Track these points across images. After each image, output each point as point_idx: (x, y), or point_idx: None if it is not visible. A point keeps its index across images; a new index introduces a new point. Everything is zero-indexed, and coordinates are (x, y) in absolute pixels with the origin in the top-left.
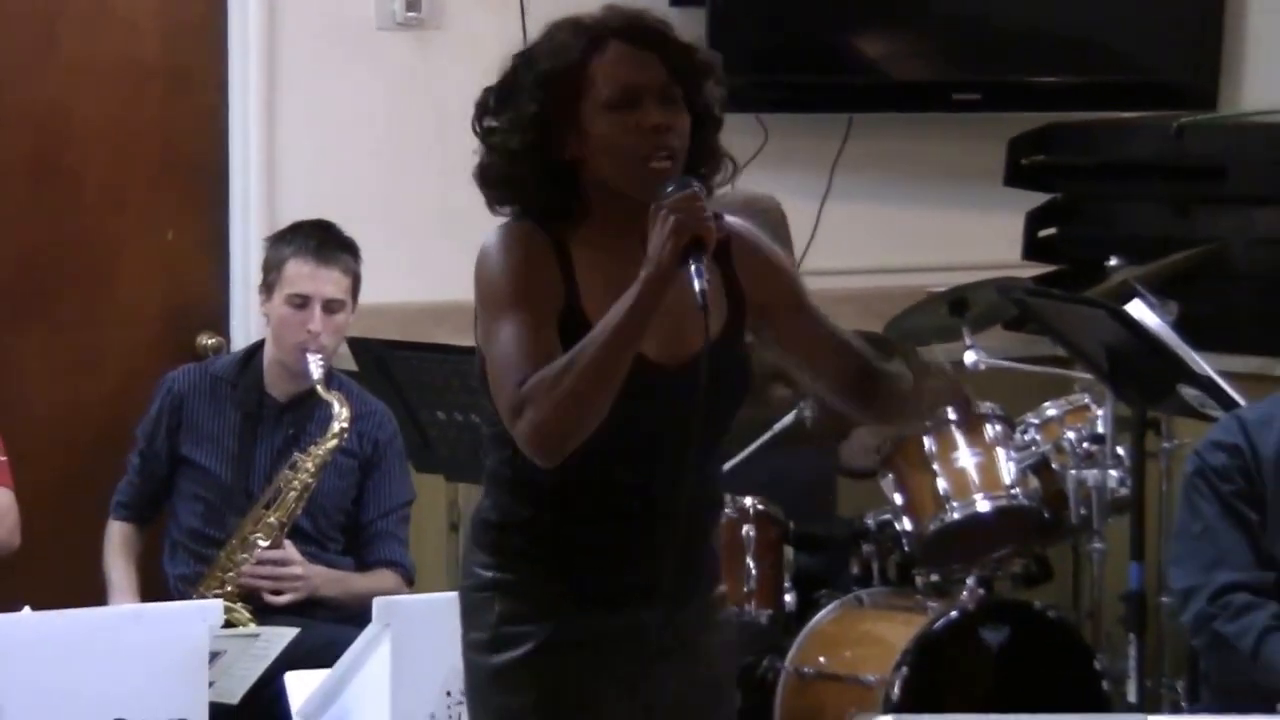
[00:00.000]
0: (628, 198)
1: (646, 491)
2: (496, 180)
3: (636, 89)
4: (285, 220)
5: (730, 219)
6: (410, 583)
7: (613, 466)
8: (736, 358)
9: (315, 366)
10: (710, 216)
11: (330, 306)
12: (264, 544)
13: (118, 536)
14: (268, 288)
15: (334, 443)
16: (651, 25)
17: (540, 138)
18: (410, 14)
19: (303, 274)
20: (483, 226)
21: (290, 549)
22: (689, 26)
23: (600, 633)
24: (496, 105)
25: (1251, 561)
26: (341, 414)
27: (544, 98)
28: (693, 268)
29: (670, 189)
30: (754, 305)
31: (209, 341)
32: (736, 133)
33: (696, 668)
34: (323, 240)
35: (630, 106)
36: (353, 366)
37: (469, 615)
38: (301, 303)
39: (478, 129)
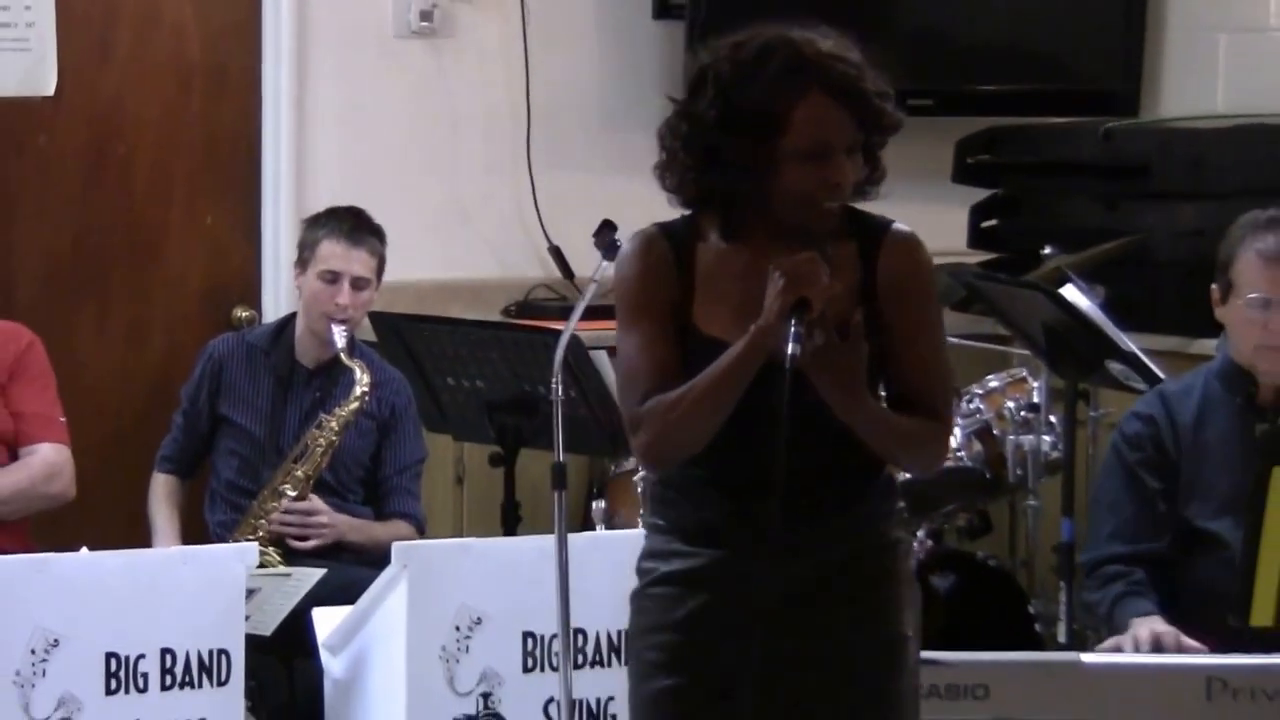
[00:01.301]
0: (771, 226)
1: (758, 463)
2: (699, 197)
3: (829, 146)
4: (313, 206)
5: (901, 226)
6: (421, 531)
7: (744, 431)
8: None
9: (339, 336)
10: (823, 280)
11: (358, 283)
12: (292, 494)
13: (162, 488)
14: (302, 263)
15: (356, 405)
16: (853, 84)
17: (752, 165)
18: (424, 23)
19: (335, 253)
20: (483, 214)
21: (316, 500)
22: (670, 37)
23: (710, 574)
24: (707, 135)
25: (1140, 533)
26: (362, 379)
27: (754, 134)
28: (792, 329)
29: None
30: (879, 300)
31: (243, 314)
32: None
33: (818, 619)
34: (354, 224)
35: (820, 159)
36: (373, 337)
37: (642, 556)
38: (332, 278)
39: (686, 142)
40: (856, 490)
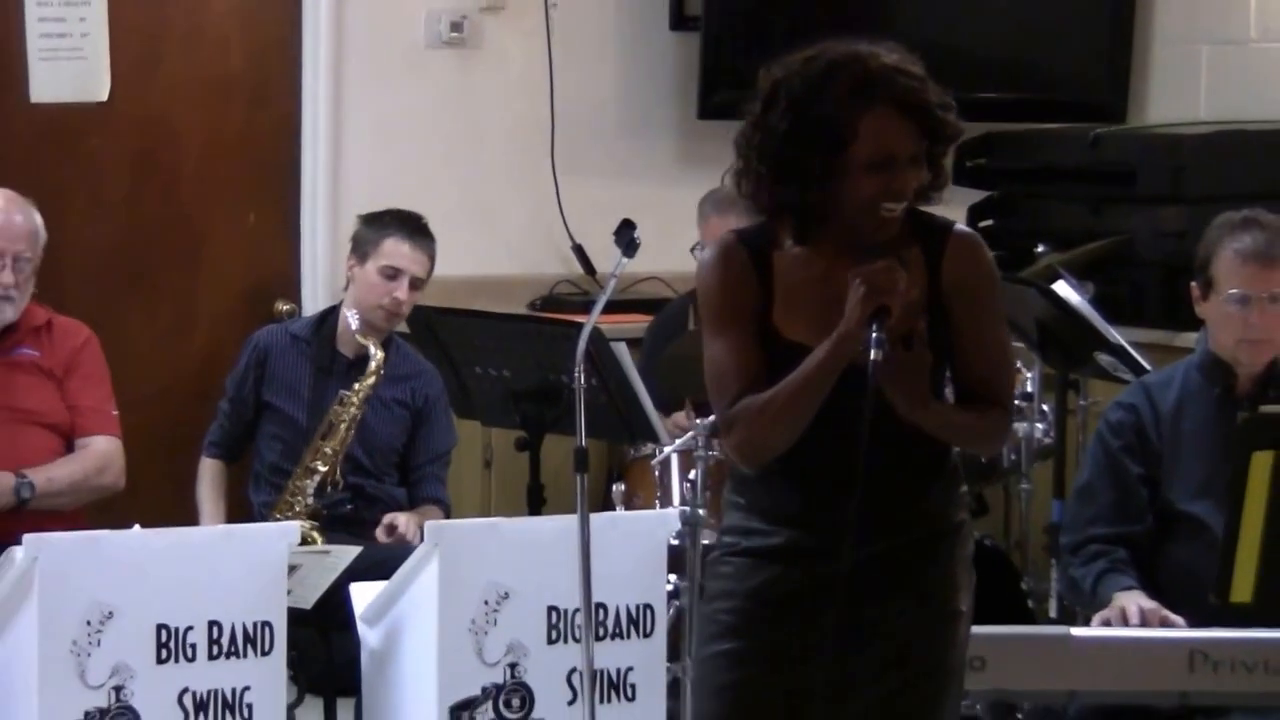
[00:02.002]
0: (841, 232)
1: (836, 461)
2: (773, 207)
3: (893, 157)
4: (348, 207)
5: (962, 227)
6: (447, 515)
7: (826, 432)
8: (934, 340)
9: (354, 319)
10: (901, 286)
11: (414, 283)
12: (323, 469)
13: (209, 471)
14: (361, 256)
15: (373, 379)
16: (917, 96)
17: (821, 174)
18: (453, 35)
19: (401, 252)
20: (510, 214)
21: (400, 519)
22: (686, 48)
23: (785, 551)
24: (782, 147)
25: (1122, 514)
26: (376, 355)
27: (812, 139)
28: (873, 335)
29: (871, 251)
30: (945, 299)
31: (284, 307)
32: (724, 138)
33: (882, 595)
34: (418, 228)
35: (885, 170)
36: (406, 329)
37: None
38: (393, 274)
39: (762, 154)
40: (925, 481)
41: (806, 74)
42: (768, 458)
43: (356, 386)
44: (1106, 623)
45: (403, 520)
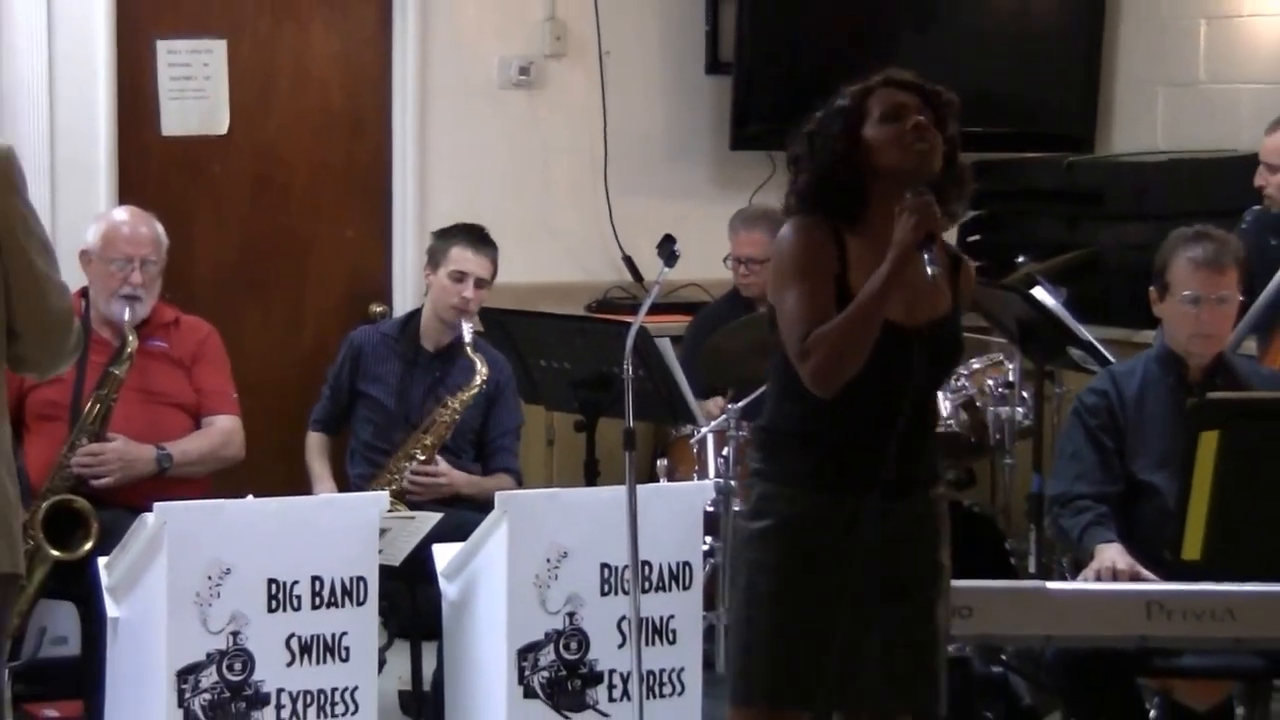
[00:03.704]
0: (895, 201)
1: (883, 419)
2: (808, 191)
3: (901, 106)
4: (433, 223)
5: (965, 256)
6: (519, 482)
7: (861, 398)
8: (955, 327)
9: (467, 332)
10: (939, 215)
11: (479, 283)
12: (421, 458)
13: (315, 443)
14: (434, 265)
15: (475, 391)
16: (909, 79)
17: (844, 152)
18: (522, 77)
19: (465, 257)
20: (569, 229)
21: (441, 463)
22: (720, 89)
23: (829, 514)
24: (808, 142)
25: (1102, 478)
26: (482, 371)
27: (840, 124)
28: (925, 256)
29: (916, 190)
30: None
31: (377, 309)
32: (752, 166)
33: (915, 546)
34: (480, 236)
35: (897, 118)
36: (482, 327)
37: (745, 494)
38: (460, 278)
39: (793, 165)
40: (929, 451)
41: (829, 107)
42: (842, 379)
43: (461, 394)
44: (1097, 575)
45: (448, 469)
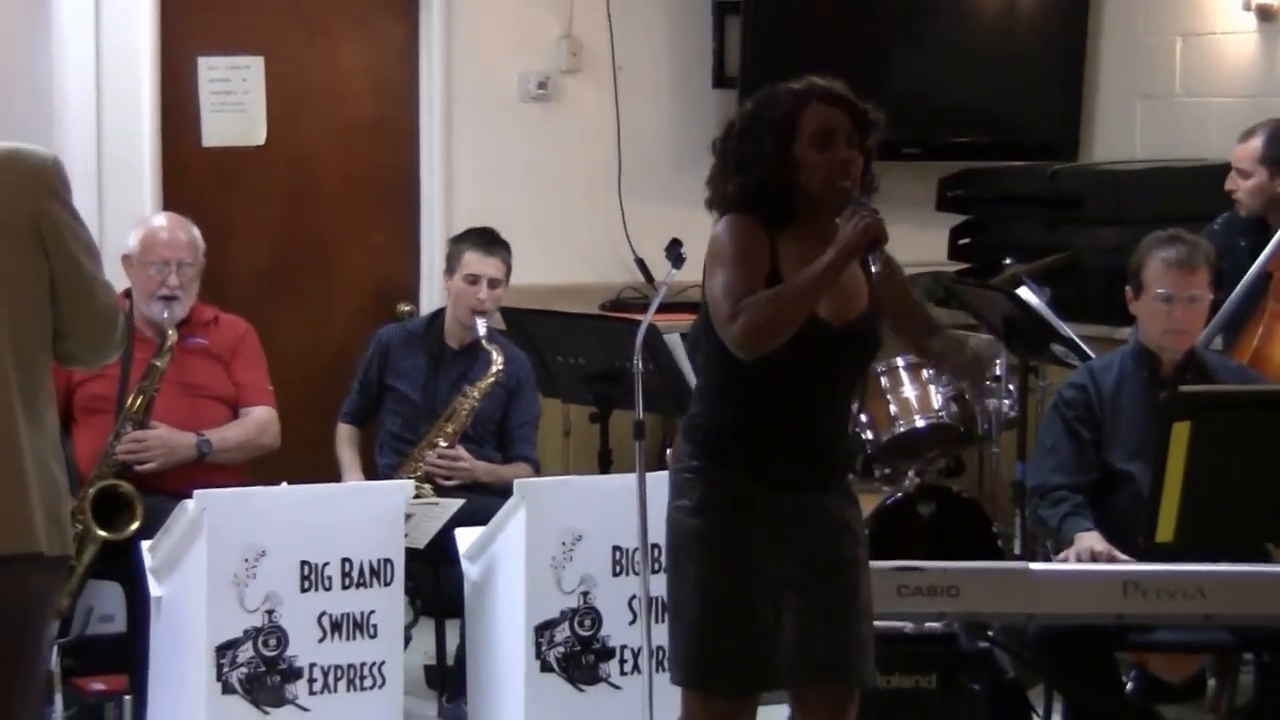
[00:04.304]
0: (822, 209)
1: (808, 412)
2: (739, 196)
3: (831, 133)
4: (458, 227)
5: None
6: (537, 470)
7: (789, 391)
8: (874, 323)
9: (481, 326)
10: (882, 223)
11: (492, 284)
12: (444, 444)
13: (345, 433)
14: (450, 270)
15: (492, 379)
16: (839, 91)
17: (775, 165)
18: (540, 91)
19: (476, 260)
20: (584, 233)
21: (461, 450)
22: (725, 101)
23: (769, 507)
24: (738, 145)
25: (1078, 468)
26: (498, 361)
27: (772, 137)
28: (870, 257)
29: (860, 203)
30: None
31: (405, 309)
32: None
33: (842, 532)
34: (490, 239)
35: (828, 144)
36: (503, 326)
37: (678, 489)
38: (473, 280)
39: (721, 163)
40: (845, 442)
41: (759, 96)
42: (767, 347)
43: (479, 383)
44: (1077, 558)
45: (468, 456)
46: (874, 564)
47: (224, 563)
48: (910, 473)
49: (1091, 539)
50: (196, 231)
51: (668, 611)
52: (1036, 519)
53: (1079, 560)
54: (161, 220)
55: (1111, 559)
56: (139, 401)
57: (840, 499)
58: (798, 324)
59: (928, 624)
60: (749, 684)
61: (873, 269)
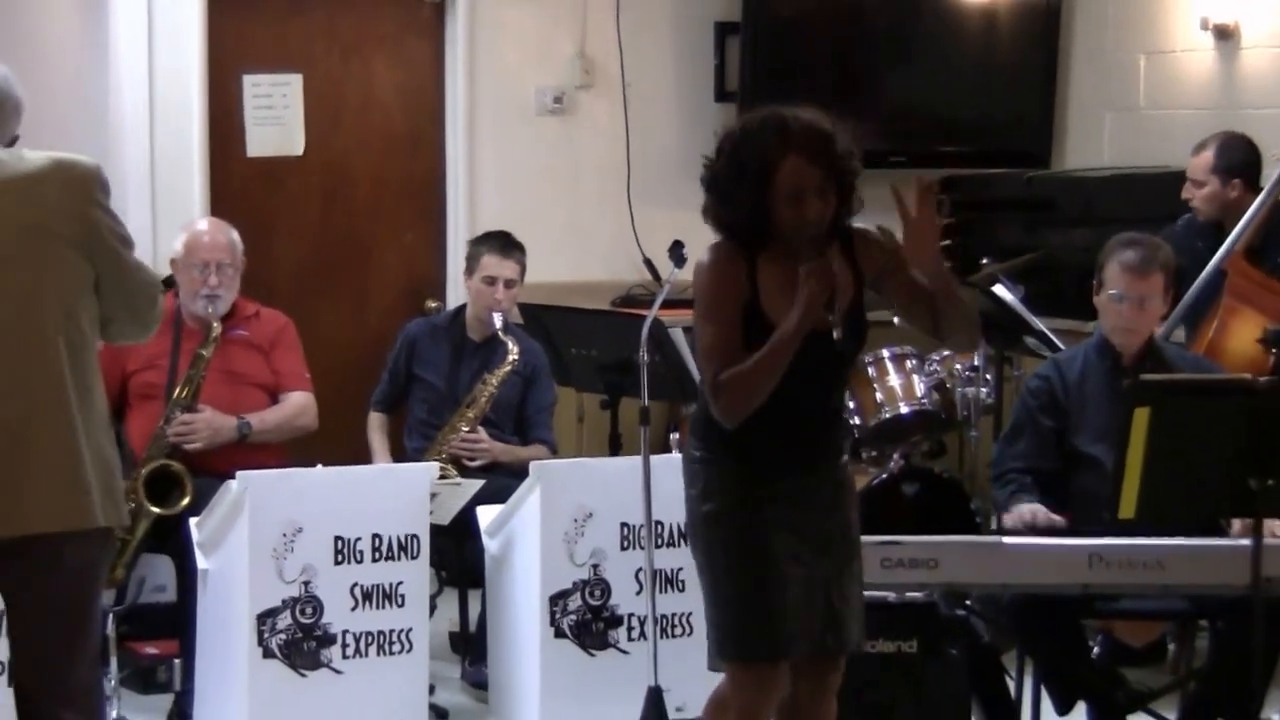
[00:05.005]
0: (792, 246)
1: (803, 405)
2: (719, 220)
3: (803, 191)
4: (481, 229)
5: (858, 225)
6: (554, 452)
7: (783, 387)
8: (860, 317)
9: (496, 319)
10: (834, 274)
11: (508, 284)
12: (465, 429)
13: (376, 421)
14: (470, 271)
15: (508, 368)
16: (822, 144)
17: (750, 212)
18: (555, 105)
19: (493, 263)
20: (597, 235)
21: (481, 433)
22: (727, 114)
23: (771, 493)
24: (723, 175)
25: (1035, 454)
26: (514, 350)
27: (749, 185)
28: (830, 318)
29: (811, 259)
30: (869, 276)
31: (433, 305)
32: None
33: (835, 510)
34: (505, 242)
35: (797, 200)
36: (521, 320)
37: (688, 479)
38: (491, 281)
39: (710, 181)
40: (839, 426)
41: (744, 129)
42: (747, 414)
43: (497, 371)
44: (1016, 523)
45: (488, 439)
46: (861, 539)
47: (264, 538)
48: (895, 455)
49: (1028, 507)
50: (235, 234)
51: (704, 600)
52: (993, 501)
53: (1020, 522)
54: (203, 225)
55: (1047, 519)
56: (187, 389)
57: (835, 480)
58: (773, 386)
59: (910, 594)
60: (779, 648)
61: (835, 335)
